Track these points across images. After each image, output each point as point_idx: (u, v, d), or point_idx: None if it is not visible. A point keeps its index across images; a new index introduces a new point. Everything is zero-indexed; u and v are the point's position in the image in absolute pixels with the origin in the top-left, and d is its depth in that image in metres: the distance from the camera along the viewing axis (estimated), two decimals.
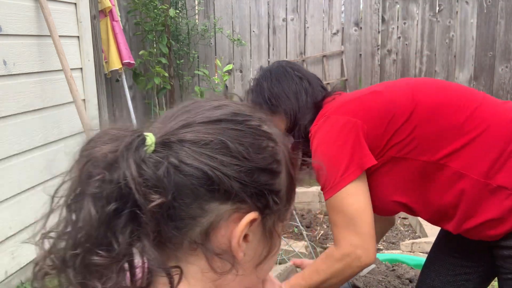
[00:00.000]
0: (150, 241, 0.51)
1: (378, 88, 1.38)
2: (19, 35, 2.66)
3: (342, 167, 1.23)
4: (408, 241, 2.91)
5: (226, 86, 4.44)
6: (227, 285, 0.58)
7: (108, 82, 3.78)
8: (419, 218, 2.73)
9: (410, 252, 2.82)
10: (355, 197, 1.24)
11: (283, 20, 4.68)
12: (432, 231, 3.06)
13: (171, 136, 0.55)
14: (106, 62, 3.65)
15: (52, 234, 0.53)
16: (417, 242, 2.86)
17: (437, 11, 4.61)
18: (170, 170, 0.53)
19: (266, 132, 0.59)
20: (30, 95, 2.74)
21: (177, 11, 4.49)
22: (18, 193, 2.65)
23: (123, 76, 3.88)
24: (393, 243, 3.13)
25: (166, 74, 4.09)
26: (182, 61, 4.67)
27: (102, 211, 0.50)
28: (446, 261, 1.47)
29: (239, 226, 0.55)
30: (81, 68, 3.27)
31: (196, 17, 4.77)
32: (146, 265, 0.52)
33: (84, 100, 3.29)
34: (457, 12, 4.58)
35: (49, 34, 2.83)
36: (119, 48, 3.70)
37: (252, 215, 0.55)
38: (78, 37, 3.25)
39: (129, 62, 3.76)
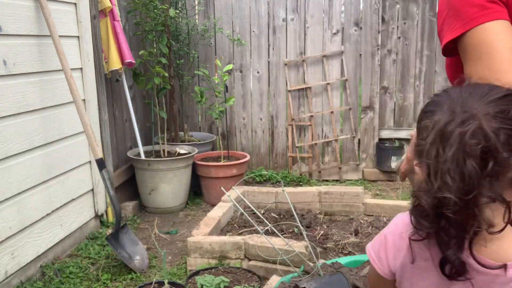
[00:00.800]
0: (495, 184, 0.77)
1: None
2: (19, 35, 2.66)
3: (479, 6, 1.04)
4: None
5: (226, 86, 4.44)
6: None
7: (108, 82, 3.78)
8: None
9: None
10: (493, 28, 1.02)
11: (283, 20, 4.67)
12: None
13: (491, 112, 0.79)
14: (106, 62, 3.64)
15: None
16: None
17: (437, 11, 4.61)
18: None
19: None
20: (30, 95, 2.74)
21: (177, 11, 4.48)
22: (18, 193, 2.65)
23: (123, 76, 3.88)
24: None
25: (166, 74, 4.09)
26: (182, 61, 4.67)
27: (479, 167, 0.76)
28: None
29: None
30: (81, 68, 3.27)
31: (196, 17, 4.77)
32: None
33: (84, 100, 3.29)
34: None
35: (49, 34, 2.83)
36: (122, 47, 3.70)
37: None
38: (78, 37, 3.25)
39: (130, 62, 3.76)
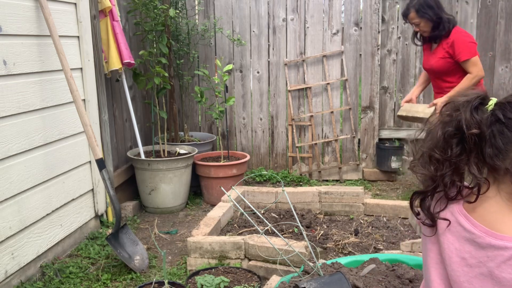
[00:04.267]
0: (472, 158, 0.96)
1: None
2: (19, 35, 2.66)
3: (475, 48, 3.36)
4: (408, 241, 2.91)
5: (226, 86, 4.44)
6: None
7: (108, 82, 3.78)
8: None
9: (410, 252, 2.82)
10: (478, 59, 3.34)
11: (283, 20, 4.67)
12: None
13: (504, 99, 0.96)
14: (106, 62, 3.64)
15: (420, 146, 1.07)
16: (417, 242, 2.86)
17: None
18: (492, 118, 0.94)
19: None
20: (30, 95, 2.74)
21: (177, 11, 4.49)
22: (18, 193, 2.65)
23: (123, 76, 3.88)
24: (393, 243, 3.13)
25: (166, 74, 4.09)
26: (182, 61, 4.67)
27: (445, 132, 0.99)
28: None
29: None
30: (81, 68, 3.27)
31: (196, 17, 4.77)
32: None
33: (84, 100, 3.29)
34: (457, 12, 4.58)
35: (49, 34, 2.83)
36: (120, 48, 3.69)
37: None
38: (78, 37, 3.25)
39: (129, 62, 3.76)
